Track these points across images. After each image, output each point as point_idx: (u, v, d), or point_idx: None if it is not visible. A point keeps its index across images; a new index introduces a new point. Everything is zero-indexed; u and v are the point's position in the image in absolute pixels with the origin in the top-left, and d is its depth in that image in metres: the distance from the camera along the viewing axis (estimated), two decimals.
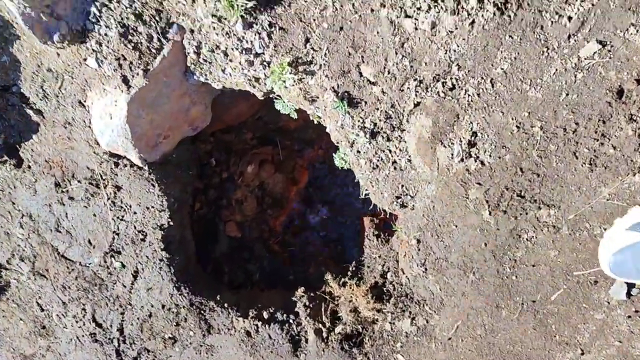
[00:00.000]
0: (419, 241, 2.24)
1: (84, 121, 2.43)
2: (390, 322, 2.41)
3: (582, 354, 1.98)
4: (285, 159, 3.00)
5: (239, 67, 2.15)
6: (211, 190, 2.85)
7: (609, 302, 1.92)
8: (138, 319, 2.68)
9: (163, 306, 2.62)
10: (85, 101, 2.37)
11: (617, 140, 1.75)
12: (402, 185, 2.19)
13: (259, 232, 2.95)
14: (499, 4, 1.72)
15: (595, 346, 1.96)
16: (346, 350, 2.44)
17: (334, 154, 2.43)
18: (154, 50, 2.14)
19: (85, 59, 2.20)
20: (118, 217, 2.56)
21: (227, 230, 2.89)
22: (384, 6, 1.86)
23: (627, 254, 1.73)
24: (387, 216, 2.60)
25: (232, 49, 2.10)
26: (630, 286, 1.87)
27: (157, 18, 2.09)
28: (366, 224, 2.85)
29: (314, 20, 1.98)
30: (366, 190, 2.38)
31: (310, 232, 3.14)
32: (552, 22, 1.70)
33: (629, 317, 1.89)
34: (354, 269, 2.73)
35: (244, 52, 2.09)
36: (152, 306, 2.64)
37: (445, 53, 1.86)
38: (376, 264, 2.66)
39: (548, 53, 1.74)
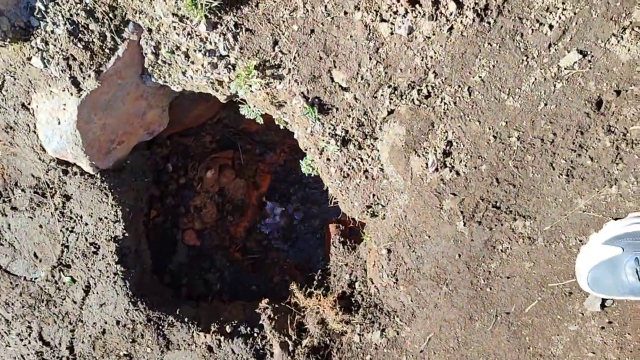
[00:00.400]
0: (389, 251, 2.17)
1: (28, 125, 2.23)
2: (358, 334, 2.33)
3: None
4: (246, 164, 2.87)
5: (202, 69, 2.01)
6: (168, 197, 2.69)
7: (583, 314, 1.90)
8: (90, 336, 2.50)
9: (118, 322, 2.45)
10: (29, 104, 2.17)
11: (594, 151, 1.73)
12: (374, 195, 2.11)
13: (219, 240, 2.81)
14: (479, 10, 1.66)
15: (569, 358, 1.94)
16: None
17: (300, 161, 2.32)
18: (107, 51, 1.98)
19: (29, 58, 2.01)
20: (67, 229, 2.37)
21: (185, 239, 2.74)
22: (359, 9, 1.76)
23: (605, 269, 1.71)
24: (354, 223, 2.52)
25: (194, 50, 1.96)
26: (605, 297, 1.85)
27: (110, 15, 1.93)
28: (332, 230, 2.76)
29: (284, 22, 1.86)
30: (335, 198, 2.29)
31: (273, 239, 3.02)
32: (532, 30, 1.65)
33: (603, 328, 1.88)
34: (319, 277, 2.64)
35: (207, 54, 1.95)
36: (106, 323, 2.46)
37: (422, 60, 1.79)
38: (343, 272, 2.57)
39: (527, 62, 1.69)
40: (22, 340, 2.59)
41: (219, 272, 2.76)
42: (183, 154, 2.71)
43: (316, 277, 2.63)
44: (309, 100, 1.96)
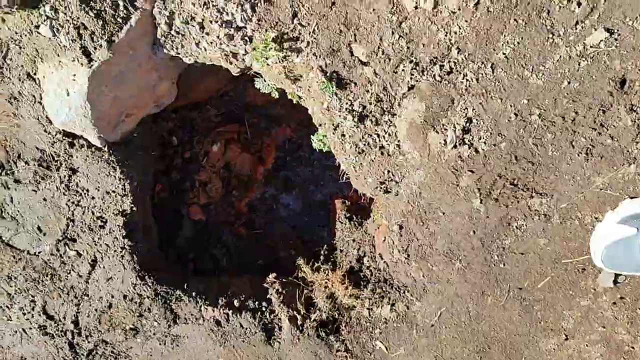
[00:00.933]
0: (401, 227, 2.18)
1: (34, 96, 2.17)
2: (368, 309, 2.35)
3: (566, 339, 2.01)
4: (252, 138, 2.83)
5: (217, 41, 1.96)
6: (173, 171, 2.65)
7: (595, 289, 1.94)
8: (96, 310, 2.48)
9: (125, 296, 2.43)
10: (35, 74, 2.10)
11: (615, 130, 1.74)
12: (388, 171, 2.10)
13: (225, 215, 2.79)
14: None
15: (580, 332, 1.99)
16: (322, 337, 2.37)
17: (311, 136, 2.30)
18: (119, 20, 1.91)
19: (37, 27, 1.94)
20: (73, 202, 2.33)
21: (190, 214, 2.71)
22: None
23: (620, 247, 1.74)
24: (365, 199, 2.52)
25: (210, 21, 1.91)
26: (618, 274, 1.89)
27: None
28: (337, 206, 2.76)
29: None
30: (347, 174, 2.27)
31: (279, 213, 3.01)
32: (560, 7, 1.64)
33: (614, 303, 1.92)
34: (325, 252, 2.64)
35: (223, 25, 1.91)
36: (112, 297, 2.44)
37: (446, 35, 1.77)
38: (350, 248, 2.58)
39: (553, 39, 1.68)
40: (24, 314, 2.56)
41: (225, 247, 2.74)
42: (188, 128, 2.67)
43: (322, 252, 2.64)
44: (327, 74, 1.93)
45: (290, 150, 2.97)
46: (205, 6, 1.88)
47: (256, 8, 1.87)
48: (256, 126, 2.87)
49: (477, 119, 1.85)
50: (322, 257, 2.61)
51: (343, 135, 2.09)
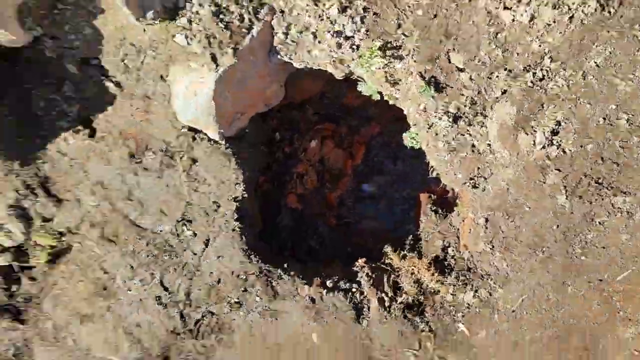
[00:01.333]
0: (487, 220, 2.36)
1: (164, 95, 2.48)
2: (452, 294, 2.54)
3: None
4: (345, 135, 3.10)
5: (327, 49, 2.21)
6: (274, 164, 2.95)
7: None
8: (206, 284, 2.80)
9: (232, 273, 2.74)
10: (166, 76, 2.42)
11: None
12: (478, 168, 2.29)
13: (318, 205, 3.07)
14: (602, 0, 1.79)
15: None
16: (408, 318, 2.59)
17: (403, 134, 2.51)
18: (244, 30, 2.19)
19: (173, 36, 2.25)
20: (192, 189, 2.65)
21: (288, 202, 3.00)
22: None
23: None
24: (446, 193, 2.71)
25: (323, 31, 2.16)
26: None
27: None
28: (423, 200, 2.96)
29: (409, 7, 2.04)
30: (436, 170, 2.48)
31: (366, 205, 3.26)
32: None
33: None
34: (411, 242, 2.85)
35: (334, 34, 2.15)
36: (221, 273, 2.75)
37: (540, 45, 1.94)
38: (435, 238, 2.78)
39: None
40: (143, 285, 2.90)
41: (318, 235, 3.02)
42: (289, 125, 2.95)
43: (407, 242, 2.85)
44: (426, 79, 2.14)
45: (379, 146, 3.20)
46: (319, 18, 2.13)
47: (365, 20, 2.10)
48: (349, 124, 3.12)
49: (565, 122, 2.02)
50: (407, 247, 2.82)
51: (437, 134, 2.29)
